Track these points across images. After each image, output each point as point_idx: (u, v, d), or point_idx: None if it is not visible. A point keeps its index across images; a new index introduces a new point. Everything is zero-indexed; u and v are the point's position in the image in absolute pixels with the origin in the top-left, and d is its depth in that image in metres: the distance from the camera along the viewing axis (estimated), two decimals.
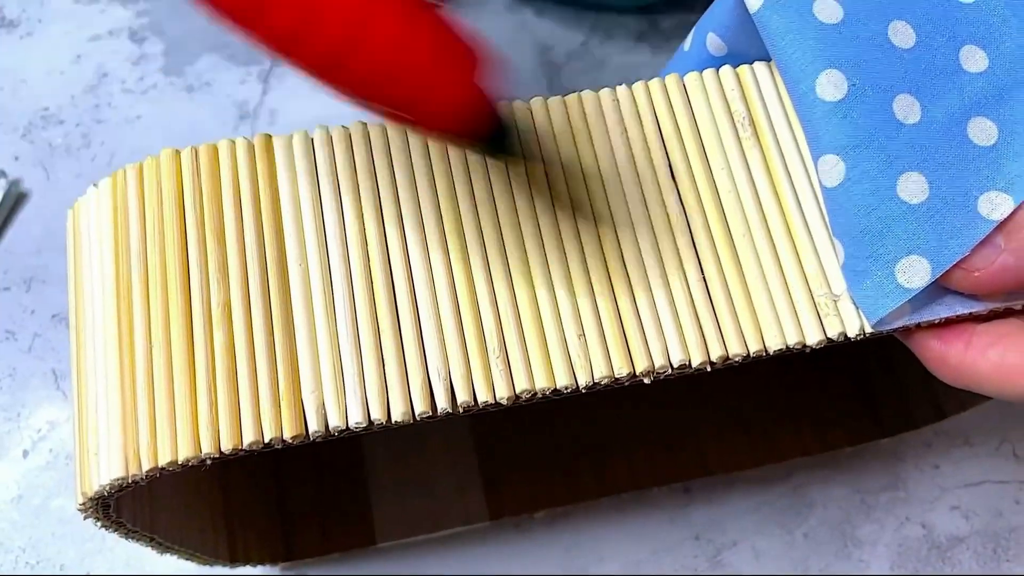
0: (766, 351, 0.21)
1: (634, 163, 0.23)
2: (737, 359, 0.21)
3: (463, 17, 0.17)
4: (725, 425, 0.37)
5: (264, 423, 0.20)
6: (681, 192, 0.23)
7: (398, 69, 0.16)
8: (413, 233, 0.22)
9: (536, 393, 0.21)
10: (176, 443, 0.20)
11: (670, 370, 0.21)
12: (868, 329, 0.21)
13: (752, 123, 0.23)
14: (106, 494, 0.21)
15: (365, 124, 0.23)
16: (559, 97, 0.24)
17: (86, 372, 0.22)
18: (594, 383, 0.21)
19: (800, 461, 0.37)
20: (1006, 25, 0.22)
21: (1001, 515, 0.37)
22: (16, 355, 0.38)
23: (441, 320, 0.21)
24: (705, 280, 0.22)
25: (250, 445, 0.20)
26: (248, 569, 0.34)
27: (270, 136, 0.23)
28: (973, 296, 0.21)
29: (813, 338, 0.21)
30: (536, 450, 0.37)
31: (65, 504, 0.36)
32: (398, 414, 0.20)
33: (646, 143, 0.23)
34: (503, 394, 0.20)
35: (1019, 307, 0.22)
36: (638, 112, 0.23)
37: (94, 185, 0.23)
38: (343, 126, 0.23)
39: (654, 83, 0.24)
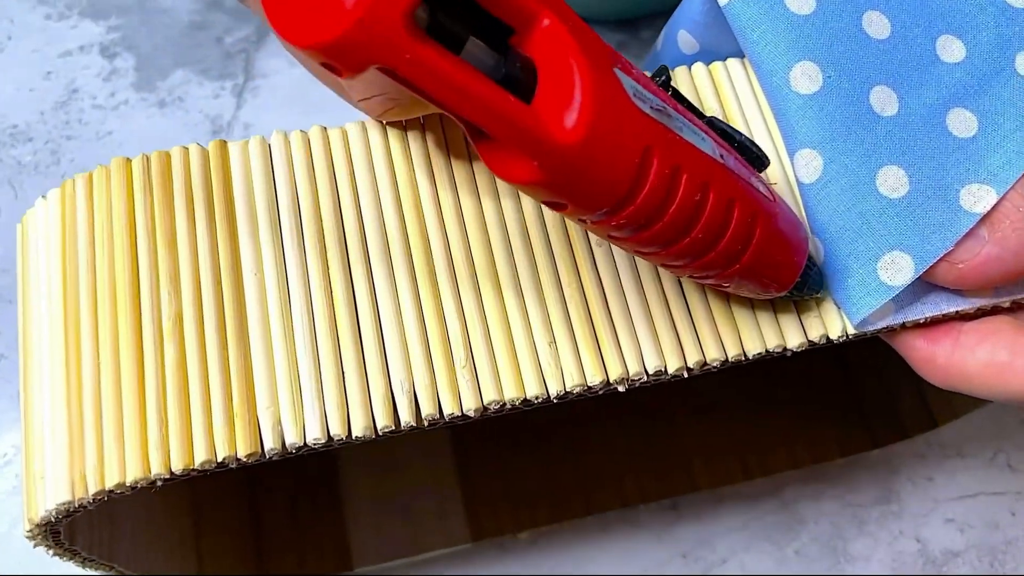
0: (745, 356, 0.20)
1: None
2: (715, 365, 0.20)
3: None
4: (712, 439, 0.36)
5: (217, 441, 0.19)
6: None
7: (776, 263, 0.19)
8: (375, 240, 0.21)
9: (505, 404, 0.20)
10: (124, 464, 0.19)
11: (645, 377, 0.20)
12: (851, 331, 0.20)
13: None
14: (53, 519, 0.20)
15: (324, 128, 0.22)
16: None
17: (33, 392, 0.21)
18: (566, 392, 0.20)
19: (790, 475, 0.36)
20: (983, 14, 0.21)
21: (997, 527, 0.36)
22: None
23: (404, 329, 0.20)
24: (680, 283, 0.21)
25: (202, 464, 0.19)
26: None
27: (225, 142, 0.22)
28: (959, 293, 0.20)
29: (794, 341, 0.20)
30: (519, 469, 0.36)
31: None
32: (359, 429, 0.19)
33: None
34: (470, 405, 0.20)
35: (1007, 304, 0.21)
36: None
37: (43, 196, 0.22)
38: (302, 131, 0.22)
39: None
